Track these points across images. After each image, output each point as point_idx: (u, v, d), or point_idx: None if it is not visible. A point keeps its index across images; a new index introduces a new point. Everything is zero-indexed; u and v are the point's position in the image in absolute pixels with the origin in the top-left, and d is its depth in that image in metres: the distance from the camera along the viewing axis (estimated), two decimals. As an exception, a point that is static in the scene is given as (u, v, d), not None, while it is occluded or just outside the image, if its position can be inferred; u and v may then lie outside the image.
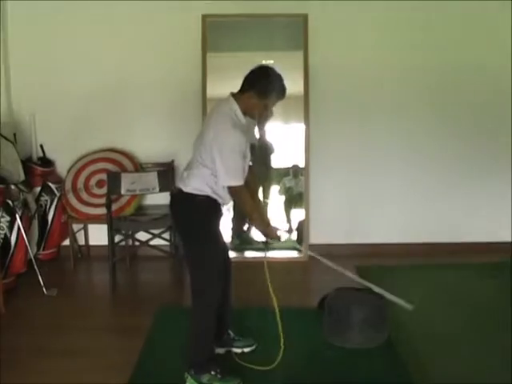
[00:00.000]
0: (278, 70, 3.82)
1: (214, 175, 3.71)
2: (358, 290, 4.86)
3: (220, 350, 4.21)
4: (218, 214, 3.93)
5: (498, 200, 6.68)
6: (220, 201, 3.83)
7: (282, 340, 4.05)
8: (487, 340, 4.43)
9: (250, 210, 3.85)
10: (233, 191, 3.71)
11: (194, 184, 3.75)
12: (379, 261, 6.33)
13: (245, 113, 3.76)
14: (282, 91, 3.76)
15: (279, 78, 3.77)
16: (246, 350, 4.26)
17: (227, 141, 3.60)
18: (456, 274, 5.94)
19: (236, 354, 4.24)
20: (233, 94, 3.79)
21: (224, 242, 4.18)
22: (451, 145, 6.65)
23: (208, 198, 3.76)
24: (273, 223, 3.99)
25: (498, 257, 6.22)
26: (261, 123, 4.29)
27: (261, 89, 3.68)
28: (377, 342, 4.30)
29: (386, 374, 4.00)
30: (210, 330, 3.86)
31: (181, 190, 3.81)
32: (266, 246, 4.04)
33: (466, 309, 5.06)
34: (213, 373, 3.80)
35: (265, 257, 4.05)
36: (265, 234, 3.94)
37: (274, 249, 4.20)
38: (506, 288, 5.37)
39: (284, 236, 4.02)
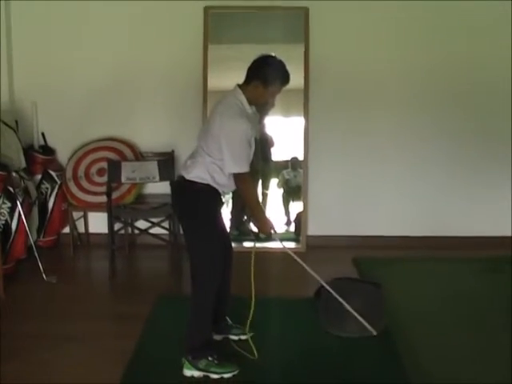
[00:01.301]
0: (280, 57, 3.88)
1: (216, 164, 3.76)
2: (354, 279, 4.92)
3: (217, 337, 4.25)
4: (218, 202, 3.98)
5: (499, 194, 6.71)
6: (220, 190, 3.89)
7: (247, 328, 4.20)
8: (485, 334, 4.46)
9: (251, 199, 3.92)
10: (238, 178, 3.76)
11: (196, 172, 3.80)
12: (377, 253, 6.38)
13: (251, 102, 3.82)
14: (285, 77, 3.83)
15: (282, 65, 3.83)
16: (243, 337, 4.29)
17: (234, 129, 3.66)
18: (455, 268, 5.97)
19: (233, 341, 4.29)
20: (239, 86, 3.85)
21: (225, 231, 4.24)
22: (451, 138, 6.67)
23: (208, 186, 3.80)
24: (270, 219, 4.04)
25: (498, 251, 6.26)
26: (263, 113, 4.34)
27: (265, 77, 3.74)
28: (373, 331, 4.34)
29: (381, 363, 4.04)
30: (208, 316, 3.89)
31: (183, 178, 3.86)
32: (256, 238, 4.11)
33: (463, 302, 5.09)
34: (210, 358, 3.83)
35: (253, 247, 4.13)
36: (259, 227, 4.00)
37: (263, 241, 4.27)
38: (506, 283, 5.40)
39: (276, 235, 4.09)
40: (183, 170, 3.91)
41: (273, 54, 3.89)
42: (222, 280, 3.96)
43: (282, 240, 4.45)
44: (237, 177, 3.76)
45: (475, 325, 4.63)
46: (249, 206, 3.99)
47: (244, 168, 3.73)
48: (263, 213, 4.06)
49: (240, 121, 3.65)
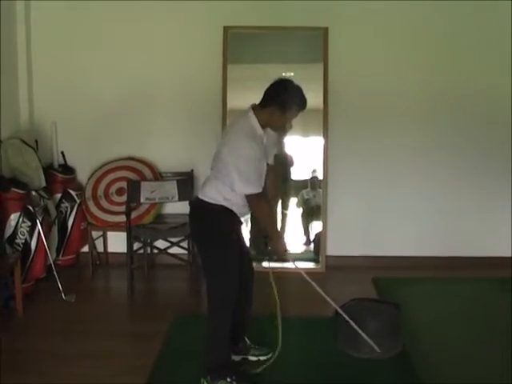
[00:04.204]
0: (297, 82, 3.86)
1: (226, 185, 3.76)
2: (373, 300, 4.88)
3: (236, 358, 4.24)
4: (232, 222, 3.94)
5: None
6: (235, 210, 3.86)
7: (279, 346, 4.17)
8: (503, 355, 4.39)
9: (265, 218, 3.91)
10: (250, 199, 3.75)
11: (208, 193, 3.83)
12: (395, 273, 6.33)
13: (266, 126, 3.80)
14: (302, 103, 3.81)
15: (299, 90, 3.81)
16: (262, 358, 4.28)
17: (242, 151, 3.65)
18: (472, 288, 5.94)
19: (252, 361, 4.28)
20: (253, 107, 3.84)
21: (244, 251, 4.18)
22: (468, 160, 6.65)
23: (222, 207, 3.81)
24: (284, 238, 4.04)
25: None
26: (281, 135, 4.32)
27: (283, 103, 3.72)
28: (391, 352, 4.31)
29: (398, 384, 4.02)
30: (225, 336, 3.89)
31: (197, 198, 3.91)
32: (269, 257, 4.09)
33: (482, 322, 5.05)
34: (228, 379, 3.83)
35: (270, 267, 4.16)
36: (273, 246, 3.99)
37: (276, 260, 4.23)
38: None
39: (290, 255, 4.10)
40: (199, 190, 3.95)
41: (290, 79, 3.88)
42: (241, 300, 3.95)
43: (294, 260, 4.43)
44: (249, 198, 3.76)
45: (495, 345, 4.58)
46: (263, 225, 3.98)
47: (255, 189, 3.72)
48: (278, 231, 4.05)
49: (248, 143, 3.65)
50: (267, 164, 3.95)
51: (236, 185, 3.69)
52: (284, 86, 3.80)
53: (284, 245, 3.98)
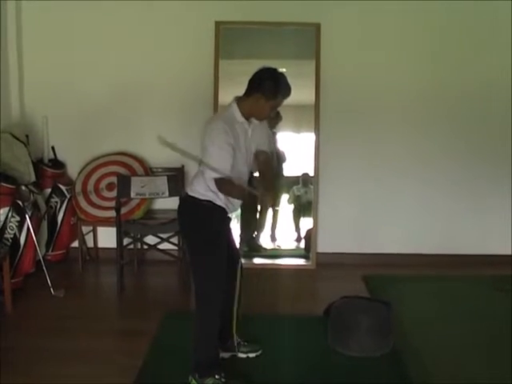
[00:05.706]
0: (289, 77, 3.84)
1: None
2: (364, 298, 4.87)
3: (225, 355, 4.22)
4: (222, 219, 3.94)
5: (510, 213, 6.67)
6: (225, 206, 3.85)
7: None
8: (494, 353, 4.41)
9: (237, 194, 3.83)
10: (218, 182, 3.68)
11: (197, 188, 3.81)
12: (387, 271, 6.31)
13: (250, 115, 3.81)
14: (287, 90, 3.80)
15: (283, 77, 3.80)
16: (251, 355, 4.27)
17: (212, 134, 3.70)
18: (465, 286, 5.94)
19: (241, 359, 4.26)
20: (237, 98, 3.84)
21: (233, 248, 4.18)
22: (461, 158, 6.64)
23: (211, 203, 3.80)
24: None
25: (508, 270, 6.21)
26: (269, 126, 4.28)
27: (267, 90, 3.72)
28: (381, 350, 4.30)
29: (390, 383, 4.00)
30: (213, 333, 3.88)
31: (187, 194, 3.88)
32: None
33: (473, 321, 5.06)
34: (217, 377, 3.81)
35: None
36: (263, 203, 3.92)
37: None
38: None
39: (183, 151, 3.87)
40: (187, 186, 3.96)
41: (274, 67, 3.87)
42: (228, 297, 3.94)
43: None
44: (217, 181, 3.69)
45: (486, 343, 4.59)
46: (241, 198, 3.91)
47: (221, 173, 3.65)
48: (248, 191, 3.86)
49: (219, 125, 3.68)
50: (263, 151, 4.02)
51: (206, 169, 3.69)
52: (268, 74, 3.80)
53: (270, 197, 3.91)
